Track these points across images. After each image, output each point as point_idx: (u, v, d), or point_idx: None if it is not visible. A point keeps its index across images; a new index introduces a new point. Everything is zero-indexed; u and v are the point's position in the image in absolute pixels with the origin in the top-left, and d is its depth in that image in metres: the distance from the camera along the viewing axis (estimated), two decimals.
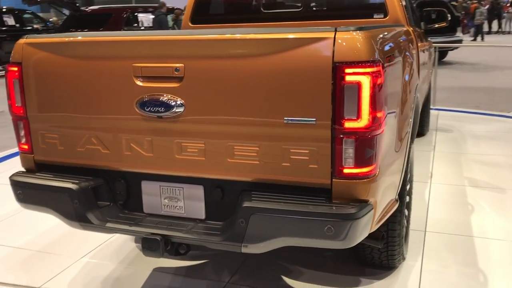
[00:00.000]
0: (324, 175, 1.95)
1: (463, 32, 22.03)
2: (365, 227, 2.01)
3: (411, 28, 3.38)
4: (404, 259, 2.95)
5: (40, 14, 21.78)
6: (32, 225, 3.66)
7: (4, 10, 14.51)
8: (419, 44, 3.52)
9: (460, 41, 13.70)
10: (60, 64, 2.26)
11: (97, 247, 3.34)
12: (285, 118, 1.94)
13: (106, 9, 11.59)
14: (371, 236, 2.46)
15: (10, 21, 13.81)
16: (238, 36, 2.00)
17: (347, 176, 1.94)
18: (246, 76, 1.97)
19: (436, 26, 5.18)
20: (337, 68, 1.85)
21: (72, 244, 3.38)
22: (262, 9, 3.73)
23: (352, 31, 1.88)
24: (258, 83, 1.96)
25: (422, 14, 5.08)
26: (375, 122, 1.91)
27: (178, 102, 2.07)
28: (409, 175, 3.01)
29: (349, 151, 1.91)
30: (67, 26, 11.34)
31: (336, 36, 1.85)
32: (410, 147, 2.81)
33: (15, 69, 2.35)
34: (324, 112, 1.89)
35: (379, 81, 1.90)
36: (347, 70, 1.84)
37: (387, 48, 2.16)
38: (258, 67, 1.94)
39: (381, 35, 2.17)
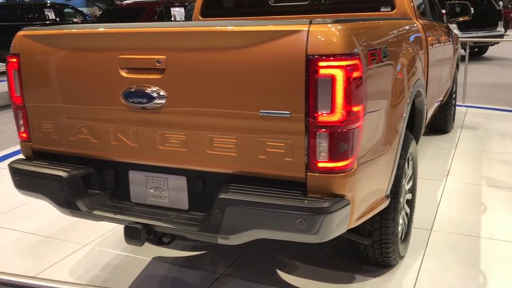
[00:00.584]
0: (298, 168, 1.94)
1: (509, 27, 21.17)
2: (341, 222, 1.98)
3: (420, 22, 3.29)
4: (401, 257, 2.90)
5: (85, 9, 22.44)
6: (44, 212, 3.78)
7: (48, 4, 15.00)
8: (429, 38, 3.43)
9: (501, 36, 13.23)
10: (53, 56, 2.33)
11: (103, 235, 3.43)
12: (261, 111, 1.94)
13: (140, 3, 11.80)
14: (356, 232, 2.44)
15: (51, 15, 14.26)
16: (215, 28, 2.00)
17: (321, 170, 1.92)
18: (224, 68, 1.97)
19: (461, 19, 5.05)
20: (310, 61, 1.83)
21: (80, 231, 3.49)
22: (270, 2, 3.72)
23: (327, 23, 1.86)
24: (235, 76, 1.96)
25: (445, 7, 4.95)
26: (350, 116, 1.88)
27: (160, 94, 2.10)
28: (409, 173, 2.95)
29: (323, 145, 1.89)
30: (102, 20, 11.63)
31: (310, 29, 1.83)
32: (409, 143, 2.76)
33: (14, 60, 2.44)
34: (298, 105, 1.88)
35: (355, 74, 1.87)
36: (321, 63, 1.82)
37: (372, 41, 2.11)
38: (234, 59, 1.95)
39: (365, 29, 2.13)
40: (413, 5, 3.31)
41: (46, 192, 2.39)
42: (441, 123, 5.58)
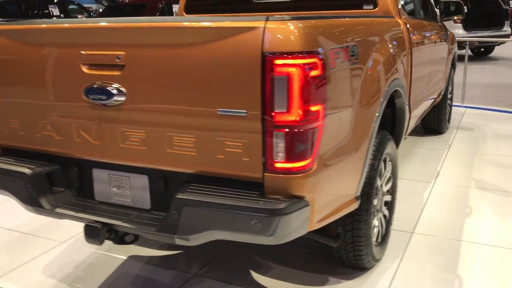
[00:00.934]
0: (256, 168, 1.90)
1: None
2: (300, 224, 1.94)
3: (403, 21, 3.22)
4: (376, 260, 2.84)
5: (94, 6, 22.47)
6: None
7: (55, 1, 15.04)
8: (414, 37, 3.37)
9: (507, 36, 13.05)
10: (18, 51, 2.30)
11: (82, 232, 3.40)
12: (218, 109, 1.90)
13: (142, 0, 11.79)
14: (323, 233, 2.39)
15: (55, 11, 14.30)
16: (172, 24, 1.96)
17: (279, 171, 1.87)
18: (182, 65, 1.93)
19: (456, 18, 5.00)
20: (266, 59, 1.78)
21: (59, 229, 3.47)
22: None
23: (285, 20, 1.81)
24: (193, 73, 1.92)
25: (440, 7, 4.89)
26: (308, 116, 1.83)
27: (120, 90, 2.06)
28: (387, 174, 2.89)
29: (280, 145, 1.84)
30: (103, 17, 11.66)
31: (266, 26, 1.79)
32: (385, 144, 2.70)
33: None
34: (255, 104, 1.83)
35: (313, 73, 1.82)
36: (276, 61, 1.78)
37: (336, 39, 2.06)
38: (192, 56, 1.91)
39: (329, 26, 2.07)
40: (397, 3, 3.24)
41: (10, 188, 2.37)
42: (435, 123, 5.50)
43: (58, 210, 2.27)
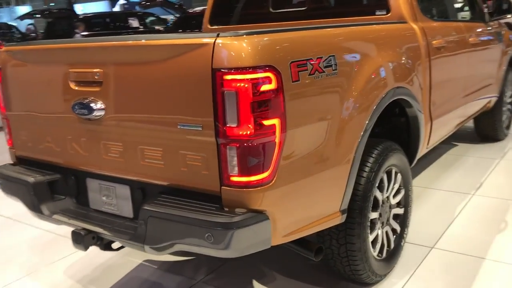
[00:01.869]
0: (214, 182, 1.93)
1: None
2: (261, 238, 1.93)
3: (419, 26, 3.07)
4: (379, 276, 2.72)
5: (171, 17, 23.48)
6: None
7: (139, 13, 15.95)
8: (435, 42, 3.19)
9: None
10: (24, 69, 2.52)
11: None
12: (179, 124, 1.96)
13: None
14: (304, 246, 2.36)
15: (134, 23, 15.13)
16: (133, 42, 2.05)
17: (235, 184, 1.89)
18: (146, 82, 2.02)
19: (509, 16, 4.69)
20: (216, 75, 1.81)
21: None
22: (271, 9, 3.68)
23: (236, 36, 1.82)
24: (155, 89, 2.00)
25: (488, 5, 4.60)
26: (261, 129, 1.83)
27: (99, 106, 2.18)
28: (396, 186, 2.78)
29: (234, 159, 1.86)
30: (176, 27, 12.15)
31: (216, 42, 1.81)
32: (387, 155, 2.60)
33: None
34: (208, 119, 1.87)
35: (266, 88, 1.82)
36: (226, 77, 1.80)
37: (301, 52, 2.01)
38: (153, 73, 1.99)
39: (290, 39, 2.03)
40: (413, 7, 3.09)
41: (20, 196, 2.58)
42: (491, 130, 5.14)
43: (55, 216, 2.44)
